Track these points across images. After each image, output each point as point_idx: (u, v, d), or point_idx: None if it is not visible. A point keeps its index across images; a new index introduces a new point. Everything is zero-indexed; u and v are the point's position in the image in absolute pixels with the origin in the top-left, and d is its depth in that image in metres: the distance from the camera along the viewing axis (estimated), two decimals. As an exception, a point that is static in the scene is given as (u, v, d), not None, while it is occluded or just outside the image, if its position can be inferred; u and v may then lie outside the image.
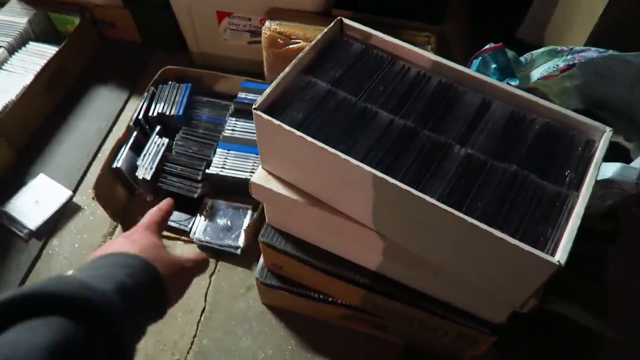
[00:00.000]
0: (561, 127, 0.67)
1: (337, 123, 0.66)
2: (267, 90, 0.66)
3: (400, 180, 0.58)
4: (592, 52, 0.84)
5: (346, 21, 0.75)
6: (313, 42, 0.72)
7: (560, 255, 0.54)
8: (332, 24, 0.74)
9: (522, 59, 0.92)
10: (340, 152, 0.60)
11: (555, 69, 0.87)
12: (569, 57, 0.87)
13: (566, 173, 0.62)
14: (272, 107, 0.66)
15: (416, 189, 0.58)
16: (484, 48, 0.88)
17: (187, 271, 0.49)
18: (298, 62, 0.70)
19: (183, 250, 1.09)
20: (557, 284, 1.03)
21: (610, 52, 0.83)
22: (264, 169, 0.75)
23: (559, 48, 0.88)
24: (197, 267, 0.51)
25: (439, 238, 0.62)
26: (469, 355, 0.92)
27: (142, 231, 0.50)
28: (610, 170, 0.76)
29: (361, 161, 0.60)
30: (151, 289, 0.41)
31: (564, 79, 0.95)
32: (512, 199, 0.59)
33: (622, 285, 1.04)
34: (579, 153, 0.64)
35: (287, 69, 0.68)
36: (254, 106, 0.64)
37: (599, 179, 0.77)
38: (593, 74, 0.90)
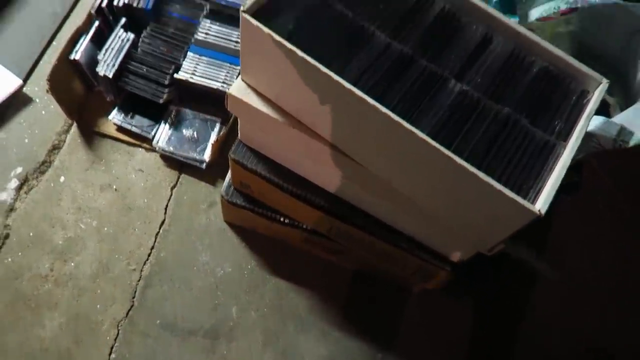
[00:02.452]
0: (559, 73, 0.64)
1: (331, 39, 0.61)
2: (258, -8, 0.59)
3: (392, 110, 0.55)
4: (597, -2, 0.81)
5: None
6: (312, -58, 0.64)
7: (541, 204, 0.54)
8: None
9: (523, -4, 0.88)
10: (332, 71, 0.56)
11: (555, 10, 0.84)
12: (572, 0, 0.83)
13: (556, 122, 0.61)
14: (261, 12, 0.59)
15: (407, 120, 0.55)
16: (489, -22, 0.83)
17: None
18: (294, -36, 0.62)
19: (144, 158, 1.04)
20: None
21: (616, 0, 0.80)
22: (243, 80, 0.70)
23: (562, -11, 0.84)
24: None
25: (422, 174, 0.60)
26: (419, 287, 0.95)
27: None
28: (591, 123, 0.75)
29: (353, 84, 0.56)
30: None
31: (558, 23, 0.92)
32: (501, 143, 0.58)
33: (568, 230, 1.10)
34: (572, 102, 0.62)
35: (281, -30, 0.61)
36: (242, 9, 0.58)
37: (580, 131, 0.77)
38: (591, 20, 0.88)
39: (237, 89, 0.69)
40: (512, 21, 0.66)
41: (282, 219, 0.88)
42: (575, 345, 0.99)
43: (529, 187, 0.56)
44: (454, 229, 0.65)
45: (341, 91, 0.56)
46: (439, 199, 0.62)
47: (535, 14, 0.87)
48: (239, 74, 0.79)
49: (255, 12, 0.58)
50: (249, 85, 0.69)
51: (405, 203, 0.67)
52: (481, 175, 0.53)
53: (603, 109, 0.91)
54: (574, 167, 0.97)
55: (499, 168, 0.56)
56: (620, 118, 0.79)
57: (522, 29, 0.65)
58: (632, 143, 0.75)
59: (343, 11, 0.62)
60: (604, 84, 0.62)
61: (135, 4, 1.07)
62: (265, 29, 0.57)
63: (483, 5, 0.66)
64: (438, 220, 0.65)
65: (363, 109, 0.56)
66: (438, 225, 0.68)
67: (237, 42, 1.05)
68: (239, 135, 0.81)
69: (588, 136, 0.78)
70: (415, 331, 0.95)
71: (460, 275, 0.86)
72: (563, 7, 0.83)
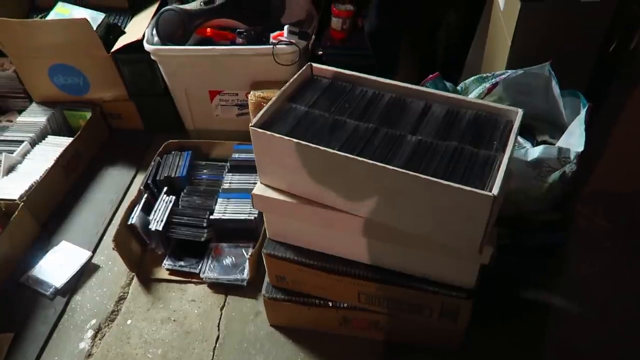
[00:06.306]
0: (487, 114, 0.87)
1: (315, 132, 0.85)
2: (260, 113, 0.85)
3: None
4: (509, 72, 1.08)
5: (315, 65, 0.97)
6: (291, 79, 0.94)
7: (495, 191, 0.70)
8: (304, 67, 0.97)
9: (458, 88, 1.15)
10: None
11: (483, 90, 1.10)
12: (493, 80, 1.10)
13: (494, 143, 0.81)
14: (264, 126, 0.85)
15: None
16: (425, 80, 1.12)
17: None
18: (281, 94, 0.91)
19: (195, 291, 1.21)
20: (525, 277, 1.18)
21: (522, 70, 1.07)
22: (262, 183, 0.92)
23: (484, 75, 1.12)
24: None
25: (400, 201, 0.78)
26: (456, 340, 1.02)
27: None
28: (536, 152, 0.95)
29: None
30: None
31: (497, 102, 1.17)
32: (455, 164, 0.77)
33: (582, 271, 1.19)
34: (502, 129, 0.83)
35: (273, 98, 0.89)
36: (250, 124, 0.84)
37: (529, 159, 0.96)
38: (516, 92, 1.13)
39: (259, 189, 0.92)
40: (443, 92, 0.91)
41: (316, 301, 1.02)
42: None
43: (483, 183, 0.73)
44: (445, 243, 0.80)
45: (329, 157, 0.78)
46: (421, 219, 0.79)
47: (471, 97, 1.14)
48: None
49: (260, 126, 0.84)
50: (267, 186, 0.92)
51: (403, 238, 0.83)
52: (442, 181, 0.71)
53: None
54: (555, 206, 1.13)
55: (457, 178, 0.74)
56: (558, 143, 0.98)
57: (452, 95, 0.90)
58: (572, 156, 0.93)
59: (321, 114, 0.88)
60: (520, 112, 0.84)
61: (173, 175, 1.37)
62: (268, 132, 0.82)
63: (419, 87, 0.92)
64: (429, 238, 0.80)
65: (346, 164, 0.77)
66: (435, 249, 0.82)
67: (254, 182, 1.31)
68: (267, 234, 1.01)
69: (539, 162, 0.97)
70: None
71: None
72: (488, 85, 1.10)
